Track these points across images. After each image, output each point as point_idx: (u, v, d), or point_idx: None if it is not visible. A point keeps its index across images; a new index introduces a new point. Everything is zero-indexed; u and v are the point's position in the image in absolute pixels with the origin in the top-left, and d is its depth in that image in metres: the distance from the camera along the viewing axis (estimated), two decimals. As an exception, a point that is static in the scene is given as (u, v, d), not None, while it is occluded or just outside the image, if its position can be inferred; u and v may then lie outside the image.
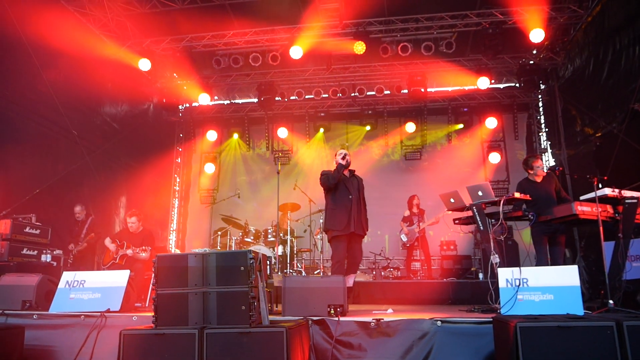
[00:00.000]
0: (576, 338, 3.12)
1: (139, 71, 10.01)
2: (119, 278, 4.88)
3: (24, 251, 6.71)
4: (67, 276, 4.95)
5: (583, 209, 4.64)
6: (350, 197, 5.72)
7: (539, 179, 5.99)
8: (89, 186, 9.16)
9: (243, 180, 12.68)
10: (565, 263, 7.40)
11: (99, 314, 4.33)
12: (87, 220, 8.01)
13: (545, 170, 6.07)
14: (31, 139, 7.80)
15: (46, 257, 6.92)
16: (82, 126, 8.94)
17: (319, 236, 9.28)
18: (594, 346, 3.09)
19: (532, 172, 6.03)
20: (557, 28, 9.60)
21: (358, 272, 10.52)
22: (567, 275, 3.89)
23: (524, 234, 6.37)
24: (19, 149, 7.53)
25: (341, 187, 5.78)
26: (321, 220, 9.11)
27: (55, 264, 6.98)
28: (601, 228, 4.54)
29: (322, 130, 12.42)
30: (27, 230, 6.81)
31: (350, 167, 5.92)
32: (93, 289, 4.81)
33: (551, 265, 5.58)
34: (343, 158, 5.72)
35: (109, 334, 4.13)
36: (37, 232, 6.96)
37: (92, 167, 9.12)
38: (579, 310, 3.70)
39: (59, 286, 4.90)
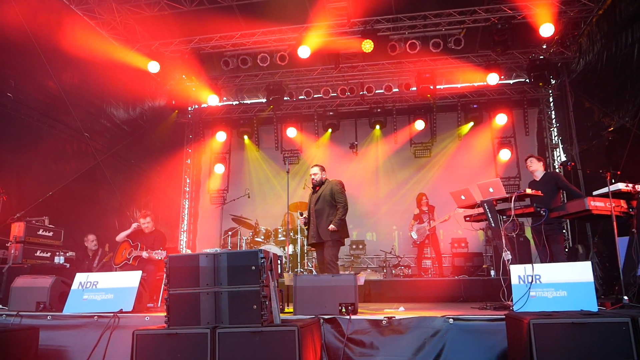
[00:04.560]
0: (591, 334, 3.08)
1: (148, 73, 10.10)
2: (131, 279, 4.92)
3: (38, 253, 6.77)
4: (80, 277, 5.00)
5: (596, 204, 4.60)
6: (309, 213, 6.39)
7: (537, 179, 6.27)
8: (101, 188, 9.26)
9: (253, 180, 12.71)
10: (576, 259, 7.32)
11: (112, 314, 4.37)
12: (98, 251, 7.85)
13: (557, 166, 6.07)
14: (43, 141, 7.88)
15: (59, 259, 6.98)
16: (93, 128, 9.06)
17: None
18: (609, 343, 3.05)
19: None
20: (568, 22, 9.49)
21: (368, 270, 10.56)
22: (581, 272, 3.85)
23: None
24: (31, 151, 7.62)
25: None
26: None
27: (68, 265, 7.04)
28: (615, 223, 4.48)
29: (330, 129, 12.36)
30: (40, 232, 6.88)
31: (316, 181, 6.38)
32: (106, 290, 4.85)
33: (552, 262, 5.57)
34: (302, 215, 6.51)
35: (122, 334, 4.17)
36: (50, 234, 7.03)
37: (104, 169, 9.21)
38: (593, 307, 3.66)
39: (72, 287, 4.95)
